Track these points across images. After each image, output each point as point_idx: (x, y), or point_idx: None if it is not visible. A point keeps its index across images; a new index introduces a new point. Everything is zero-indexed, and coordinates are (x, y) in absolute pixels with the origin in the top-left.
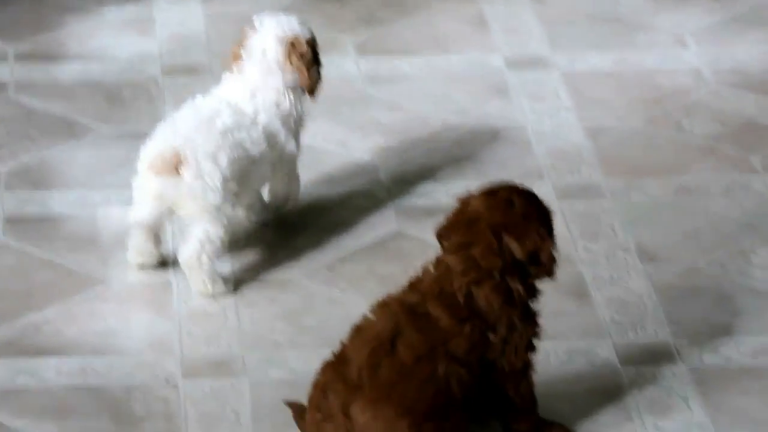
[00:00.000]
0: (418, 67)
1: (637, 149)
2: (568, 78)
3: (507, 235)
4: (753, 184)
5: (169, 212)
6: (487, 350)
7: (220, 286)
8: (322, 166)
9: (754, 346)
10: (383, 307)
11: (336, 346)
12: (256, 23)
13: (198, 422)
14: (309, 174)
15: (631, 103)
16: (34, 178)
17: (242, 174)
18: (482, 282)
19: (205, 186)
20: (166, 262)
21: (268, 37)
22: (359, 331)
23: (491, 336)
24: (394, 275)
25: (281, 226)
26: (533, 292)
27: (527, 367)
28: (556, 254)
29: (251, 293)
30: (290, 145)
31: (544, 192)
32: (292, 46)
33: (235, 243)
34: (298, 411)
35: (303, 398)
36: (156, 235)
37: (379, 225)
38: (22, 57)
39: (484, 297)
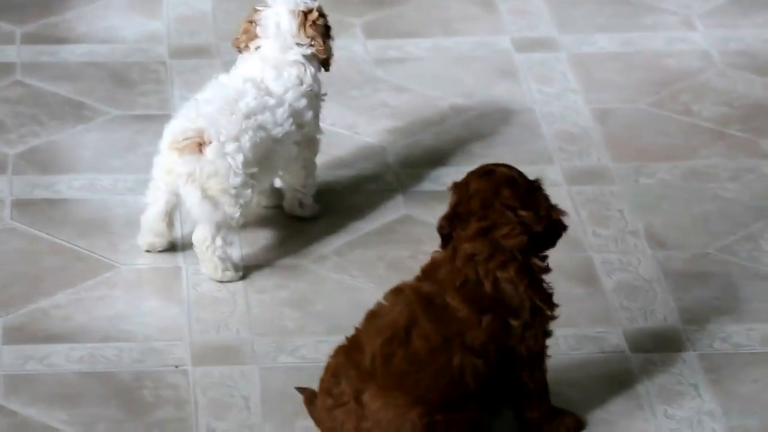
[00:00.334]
0: (426, 49)
1: (645, 132)
2: (576, 60)
3: (523, 211)
4: (762, 168)
5: (198, 194)
6: (506, 338)
7: (230, 271)
8: (330, 149)
9: (764, 333)
10: (398, 293)
11: (345, 332)
12: None
13: (207, 408)
14: (317, 157)
15: (638, 85)
16: (42, 162)
17: (264, 156)
18: (508, 264)
19: (227, 166)
20: (175, 247)
21: (281, 11)
22: (373, 317)
23: (513, 322)
24: (403, 260)
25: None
26: (548, 269)
27: (543, 352)
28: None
29: (260, 279)
30: (315, 126)
31: (553, 176)
32: (305, 16)
33: (244, 228)
34: (308, 396)
35: (312, 384)
36: (170, 215)
37: (388, 209)
38: (30, 38)
39: (509, 280)
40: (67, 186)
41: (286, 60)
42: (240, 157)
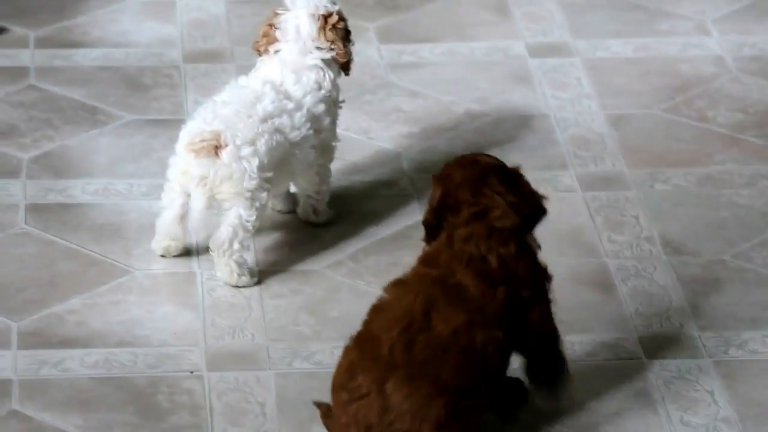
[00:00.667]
0: (440, 54)
1: (659, 138)
2: (590, 65)
3: (511, 195)
4: None
5: (205, 198)
6: (521, 311)
7: (246, 276)
8: (345, 155)
9: None
10: (400, 285)
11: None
12: (288, 2)
13: (223, 414)
14: (332, 164)
15: (653, 91)
16: (56, 166)
17: (281, 160)
18: (508, 241)
19: (242, 170)
20: (190, 252)
21: (301, 14)
22: (380, 310)
23: (525, 293)
24: None
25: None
26: (539, 246)
27: (556, 336)
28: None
29: (275, 284)
30: (332, 132)
31: (568, 182)
32: (324, 19)
33: (259, 233)
34: (325, 410)
35: (327, 391)
36: (185, 219)
37: (403, 215)
38: (43, 43)
39: (512, 256)
40: (81, 190)
41: (305, 64)
42: (255, 161)
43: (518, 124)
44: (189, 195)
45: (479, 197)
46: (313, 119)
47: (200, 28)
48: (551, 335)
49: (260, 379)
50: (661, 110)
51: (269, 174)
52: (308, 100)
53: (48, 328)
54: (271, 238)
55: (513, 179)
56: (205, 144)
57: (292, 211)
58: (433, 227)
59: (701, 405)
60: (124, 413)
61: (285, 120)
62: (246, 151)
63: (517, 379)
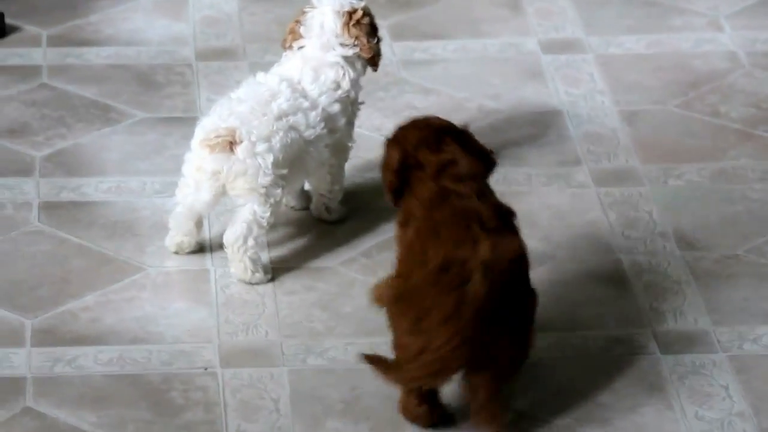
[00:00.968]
0: (453, 50)
1: (673, 134)
2: (603, 61)
3: (466, 149)
4: None
5: (217, 193)
6: None
7: (260, 273)
8: (358, 152)
9: None
10: (407, 226)
11: (374, 334)
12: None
13: (237, 411)
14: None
15: (666, 87)
16: (69, 164)
17: (295, 157)
18: (477, 182)
19: (256, 165)
20: (203, 249)
21: (326, 11)
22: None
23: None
24: None
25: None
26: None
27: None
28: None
29: (289, 281)
30: (347, 132)
31: (581, 178)
32: (349, 16)
33: (272, 230)
34: (379, 361)
35: (341, 387)
36: (199, 215)
37: None
38: (56, 41)
39: (483, 193)
40: (94, 188)
41: (326, 61)
42: (270, 158)
43: (531, 120)
44: (200, 189)
45: (440, 154)
46: (328, 118)
47: (213, 25)
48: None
49: (274, 375)
50: (674, 106)
51: (284, 171)
52: (324, 100)
53: (61, 325)
54: (284, 235)
55: (465, 136)
56: (219, 140)
57: (306, 208)
58: (397, 190)
59: (715, 400)
60: (138, 410)
61: (300, 118)
62: (261, 147)
63: None
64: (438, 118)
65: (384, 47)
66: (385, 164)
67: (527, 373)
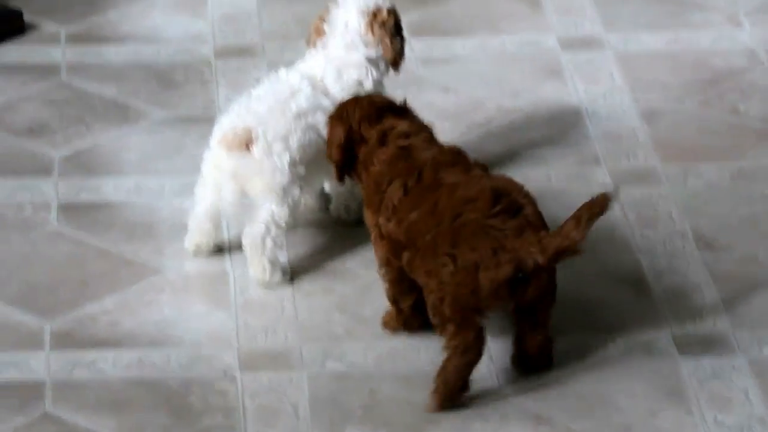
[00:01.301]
0: (472, 48)
1: (692, 133)
2: (622, 59)
3: (410, 117)
4: None
5: (238, 192)
6: None
7: (278, 275)
8: None
9: None
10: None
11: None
12: None
13: (256, 415)
14: None
15: (685, 85)
16: (88, 164)
17: (314, 157)
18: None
19: (273, 165)
20: (222, 251)
21: (350, 10)
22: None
23: None
24: None
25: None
26: None
27: None
28: None
29: (308, 283)
30: None
31: (600, 178)
32: (374, 16)
33: (290, 232)
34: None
35: (360, 392)
36: (217, 215)
37: None
38: (74, 39)
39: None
40: (113, 189)
41: (349, 61)
42: (287, 157)
43: (550, 118)
44: (221, 189)
45: (383, 123)
46: None
47: (231, 23)
48: None
49: (293, 380)
50: (693, 104)
51: (302, 170)
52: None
53: (80, 328)
54: (302, 237)
55: (405, 111)
56: (236, 139)
57: (326, 209)
58: (343, 165)
59: (735, 404)
60: (158, 415)
61: (319, 117)
62: (277, 146)
63: None
64: (380, 96)
65: None
66: (329, 140)
67: (546, 376)
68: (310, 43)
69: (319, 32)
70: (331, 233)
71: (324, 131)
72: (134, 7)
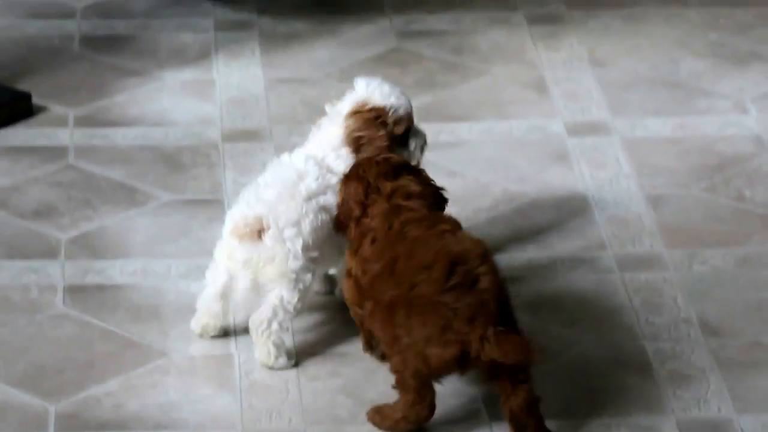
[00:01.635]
0: (479, 132)
1: (698, 218)
2: (629, 144)
3: (423, 178)
4: None
5: (252, 280)
6: None
7: (284, 358)
8: None
9: None
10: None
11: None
12: (356, 84)
13: None
14: None
15: (691, 170)
16: (94, 247)
17: (327, 238)
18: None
19: (285, 251)
20: (227, 334)
21: (350, 97)
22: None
23: None
24: None
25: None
26: None
27: None
28: None
29: (312, 366)
30: None
31: (606, 263)
32: (356, 107)
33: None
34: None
35: None
36: (227, 298)
37: None
38: (82, 122)
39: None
40: (120, 271)
41: (341, 138)
42: (299, 242)
43: (556, 204)
44: (233, 277)
45: (398, 182)
46: None
47: (239, 107)
48: None
49: None
50: (699, 190)
51: (315, 254)
52: None
53: (85, 410)
54: (308, 320)
55: (419, 172)
56: (248, 229)
57: (330, 293)
58: (358, 217)
59: None
60: None
61: (330, 197)
62: (289, 232)
63: None
64: (395, 156)
65: None
66: (345, 199)
67: None
68: (315, 122)
69: (323, 113)
70: (335, 316)
71: (334, 210)
72: (142, 90)
